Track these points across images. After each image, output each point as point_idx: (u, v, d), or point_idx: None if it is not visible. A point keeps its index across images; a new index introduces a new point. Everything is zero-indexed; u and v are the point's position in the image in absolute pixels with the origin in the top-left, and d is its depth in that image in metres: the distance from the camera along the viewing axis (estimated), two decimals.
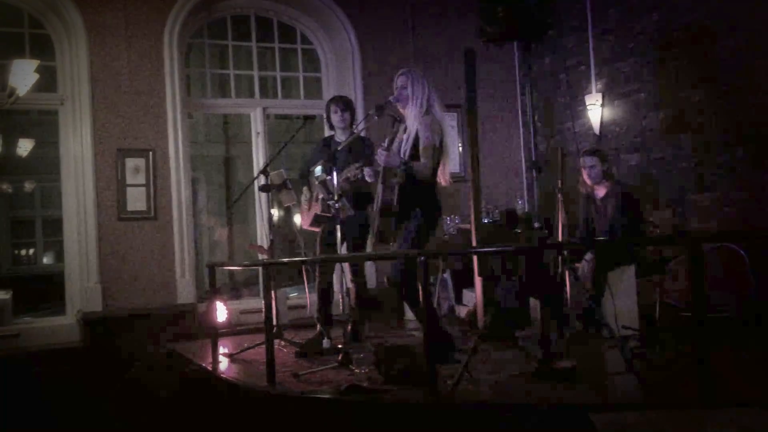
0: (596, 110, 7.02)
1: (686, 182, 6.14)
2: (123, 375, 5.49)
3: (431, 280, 6.27)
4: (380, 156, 4.31)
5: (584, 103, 7.13)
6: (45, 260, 13.69)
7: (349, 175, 4.84)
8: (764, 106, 5.46)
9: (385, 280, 4.52)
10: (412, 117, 4.44)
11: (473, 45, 5.44)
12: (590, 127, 7.09)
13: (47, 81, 6.68)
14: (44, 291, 8.57)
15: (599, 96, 7.01)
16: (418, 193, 4.35)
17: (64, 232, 6.71)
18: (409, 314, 6.14)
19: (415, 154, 4.36)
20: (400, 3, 7.72)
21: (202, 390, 4.79)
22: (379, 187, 4.42)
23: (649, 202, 6.30)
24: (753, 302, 5.22)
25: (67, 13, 6.59)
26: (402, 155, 4.35)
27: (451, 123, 7.57)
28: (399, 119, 4.50)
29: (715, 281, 5.30)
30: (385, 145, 4.34)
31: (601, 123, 7.01)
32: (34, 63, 6.13)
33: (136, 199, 6.65)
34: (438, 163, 4.41)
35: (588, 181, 5.43)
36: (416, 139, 4.37)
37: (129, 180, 6.65)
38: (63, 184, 6.72)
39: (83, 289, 6.49)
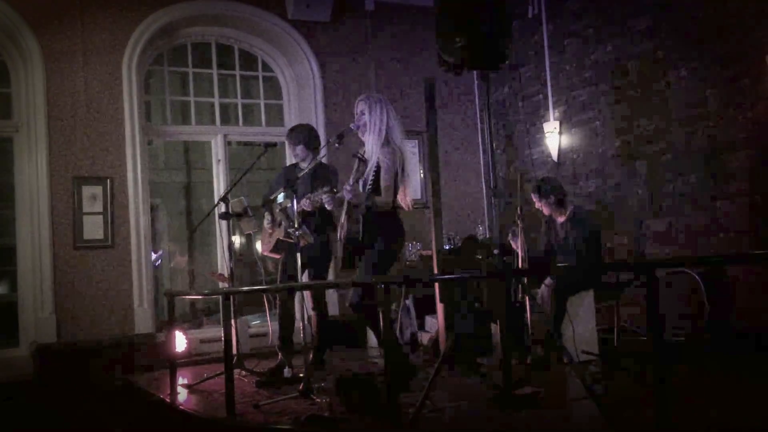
0: (554, 137, 7.14)
1: (642, 208, 6.26)
2: (78, 408, 5.34)
3: (393, 306, 6.25)
4: (346, 193, 4.35)
5: (543, 131, 7.25)
6: None
7: (317, 198, 4.83)
8: (715, 134, 5.61)
9: (348, 305, 4.53)
10: (371, 144, 4.47)
11: (434, 73, 5.51)
12: (549, 154, 7.21)
13: (1, 108, 6.56)
14: None
15: (557, 123, 7.14)
16: (380, 223, 4.43)
17: (18, 261, 6.56)
18: (372, 341, 6.11)
19: (376, 181, 4.40)
20: (360, 30, 7.79)
21: (160, 422, 4.69)
22: (343, 217, 4.46)
23: (606, 228, 6.40)
24: (709, 325, 5.32)
25: (23, 40, 6.50)
26: (365, 182, 4.39)
27: (412, 150, 7.63)
28: (362, 158, 4.50)
29: (672, 305, 5.39)
30: (351, 182, 4.37)
31: (559, 150, 7.13)
32: None
33: (93, 228, 6.54)
34: (398, 190, 4.45)
35: (544, 212, 5.57)
36: (378, 167, 4.40)
37: (86, 208, 6.54)
38: (17, 212, 6.58)
39: (37, 319, 6.33)
